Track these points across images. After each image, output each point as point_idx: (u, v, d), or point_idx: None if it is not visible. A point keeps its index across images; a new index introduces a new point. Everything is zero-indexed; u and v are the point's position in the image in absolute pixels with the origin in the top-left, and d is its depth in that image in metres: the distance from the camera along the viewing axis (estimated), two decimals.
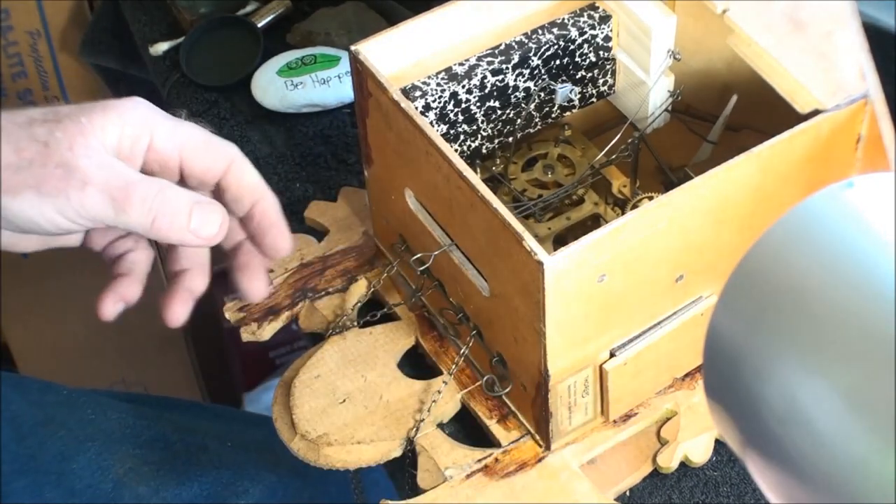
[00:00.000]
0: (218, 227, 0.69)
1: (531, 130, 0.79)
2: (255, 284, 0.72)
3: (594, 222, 0.79)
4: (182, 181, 0.70)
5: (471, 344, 0.75)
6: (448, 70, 0.75)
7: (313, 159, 0.94)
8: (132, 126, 0.69)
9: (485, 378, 0.75)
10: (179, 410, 0.97)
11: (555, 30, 0.76)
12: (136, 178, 0.68)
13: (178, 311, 0.71)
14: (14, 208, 0.67)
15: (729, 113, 0.80)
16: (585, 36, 0.77)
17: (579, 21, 0.77)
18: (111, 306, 0.71)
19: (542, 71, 0.77)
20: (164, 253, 0.77)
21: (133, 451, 0.88)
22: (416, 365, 0.78)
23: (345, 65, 0.96)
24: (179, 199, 0.68)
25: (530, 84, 0.77)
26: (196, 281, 0.72)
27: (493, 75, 0.75)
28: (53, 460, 0.91)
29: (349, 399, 0.75)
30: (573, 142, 0.82)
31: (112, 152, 0.67)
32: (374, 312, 0.79)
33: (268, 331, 0.81)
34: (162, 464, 0.88)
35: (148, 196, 0.67)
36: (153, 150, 0.69)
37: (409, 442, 0.73)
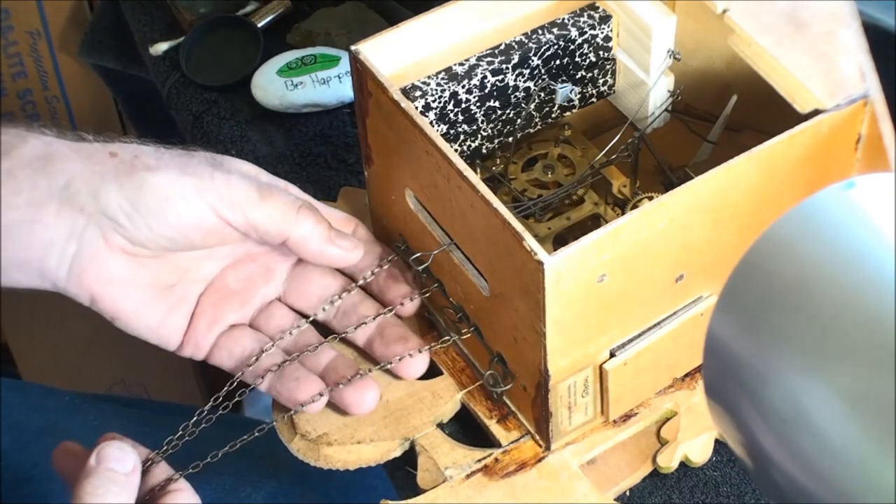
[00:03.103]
0: (357, 245, 0.74)
1: (531, 130, 0.79)
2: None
3: (594, 222, 0.79)
4: None
5: (467, 336, 0.75)
6: (448, 70, 0.75)
7: (313, 159, 0.94)
8: (267, 174, 0.74)
9: (485, 377, 0.74)
10: (180, 415, 0.97)
11: (555, 30, 0.76)
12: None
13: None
14: (151, 182, 0.66)
15: (729, 113, 0.80)
16: (585, 36, 0.77)
17: (579, 21, 0.77)
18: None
19: (542, 71, 0.77)
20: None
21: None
22: None
23: (345, 65, 0.96)
24: (320, 214, 0.73)
25: (530, 84, 0.77)
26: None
27: (493, 75, 0.75)
28: None
29: None
30: (573, 142, 0.82)
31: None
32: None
33: None
34: None
35: (291, 198, 0.71)
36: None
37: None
